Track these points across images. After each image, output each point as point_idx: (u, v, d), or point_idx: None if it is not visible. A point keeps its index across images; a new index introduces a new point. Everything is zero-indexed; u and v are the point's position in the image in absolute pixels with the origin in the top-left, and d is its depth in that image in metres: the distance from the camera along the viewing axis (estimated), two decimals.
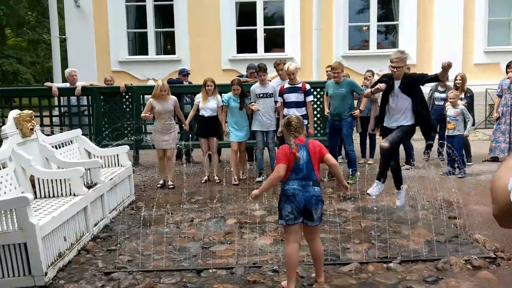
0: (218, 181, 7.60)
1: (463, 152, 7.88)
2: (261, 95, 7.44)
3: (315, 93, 8.60)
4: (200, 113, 7.58)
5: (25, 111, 5.19)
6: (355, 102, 8.01)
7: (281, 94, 7.31)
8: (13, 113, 5.13)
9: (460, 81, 8.29)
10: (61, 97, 9.15)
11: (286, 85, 7.30)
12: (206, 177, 7.70)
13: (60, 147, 6.07)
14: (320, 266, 3.79)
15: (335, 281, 3.85)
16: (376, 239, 4.75)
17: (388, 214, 5.63)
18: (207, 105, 7.52)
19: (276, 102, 7.43)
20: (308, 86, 7.35)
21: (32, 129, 5.24)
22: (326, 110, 8.25)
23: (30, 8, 27.28)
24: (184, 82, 9.28)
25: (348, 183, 7.17)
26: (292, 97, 7.23)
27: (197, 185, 7.45)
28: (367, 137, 8.89)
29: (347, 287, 3.76)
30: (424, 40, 13.16)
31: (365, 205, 6.03)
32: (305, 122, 6.82)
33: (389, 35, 14.62)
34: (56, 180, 5.02)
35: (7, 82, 28.68)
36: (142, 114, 7.26)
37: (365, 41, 14.03)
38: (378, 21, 13.45)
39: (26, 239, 3.86)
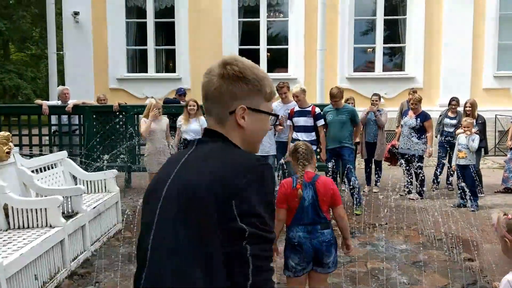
0: None
1: (475, 182, 7.40)
2: None
3: None
4: (182, 137, 7.05)
5: (1, 133, 4.75)
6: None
7: (290, 117, 6.93)
8: None
9: (470, 108, 7.84)
10: (52, 116, 8.73)
11: (296, 108, 6.92)
12: None
13: (42, 171, 5.62)
14: None
15: None
16: (385, 284, 4.25)
17: (397, 253, 5.13)
18: (190, 128, 7.00)
19: (275, 125, 7.00)
20: (318, 110, 6.95)
21: (8, 153, 4.79)
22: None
23: (34, 24, 27.17)
24: (181, 102, 8.87)
25: (356, 214, 6.82)
26: (301, 121, 6.85)
27: None
28: (372, 164, 8.41)
29: None
30: (431, 63, 12.74)
31: (371, 242, 5.54)
32: (314, 147, 6.42)
33: (395, 57, 14.26)
34: (31, 209, 4.55)
35: (8, 97, 28.49)
36: (141, 130, 6.83)
37: (369, 62, 13.66)
38: (384, 43, 13.07)
39: None
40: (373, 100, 8.33)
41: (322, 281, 3.23)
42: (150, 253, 1.35)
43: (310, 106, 6.92)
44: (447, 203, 7.31)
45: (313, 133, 6.85)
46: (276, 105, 7.25)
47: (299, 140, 6.77)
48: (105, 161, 7.84)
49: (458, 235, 5.51)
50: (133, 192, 8.46)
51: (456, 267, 4.64)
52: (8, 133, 4.79)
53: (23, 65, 27.90)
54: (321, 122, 6.90)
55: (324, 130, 7.00)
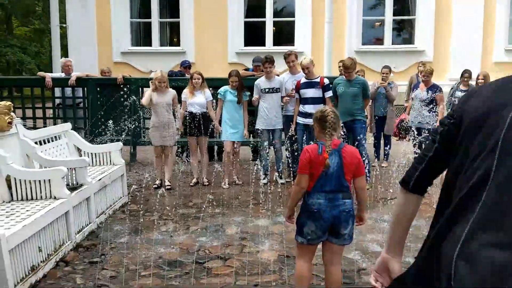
0: (207, 183, 6.95)
1: None
2: (267, 90, 6.82)
3: None
4: (187, 110, 6.85)
5: (2, 103, 4.62)
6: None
7: (297, 89, 6.72)
8: None
9: (483, 80, 7.65)
10: (55, 88, 8.59)
11: (303, 80, 6.71)
12: (195, 180, 7.04)
13: (45, 143, 5.51)
14: None
15: None
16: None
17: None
18: (194, 100, 6.80)
19: (282, 97, 6.84)
20: (326, 81, 6.74)
21: (10, 123, 4.67)
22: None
23: None
24: (186, 75, 8.69)
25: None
26: (309, 92, 6.63)
27: (196, 188, 6.87)
28: (382, 138, 8.26)
29: None
30: (441, 36, 12.42)
31: (381, 216, 5.43)
32: None
33: (404, 31, 13.94)
34: (35, 181, 4.45)
35: (12, 72, 28.28)
36: (142, 101, 6.71)
37: (377, 38, 13.37)
38: (393, 15, 12.75)
39: None
40: (383, 73, 8.14)
41: (336, 253, 3.12)
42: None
43: (318, 77, 6.72)
44: None
45: (321, 105, 6.66)
46: (284, 76, 7.06)
47: (307, 113, 6.62)
48: (110, 135, 7.73)
49: None
50: (138, 166, 8.37)
51: None
52: (9, 102, 4.65)
53: (27, 40, 27.63)
54: (329, 94, 6.71)
55: (333, 102, 6.82)
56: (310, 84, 6.65)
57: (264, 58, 6.84)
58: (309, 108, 6.58)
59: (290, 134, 6.89)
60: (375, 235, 4.79)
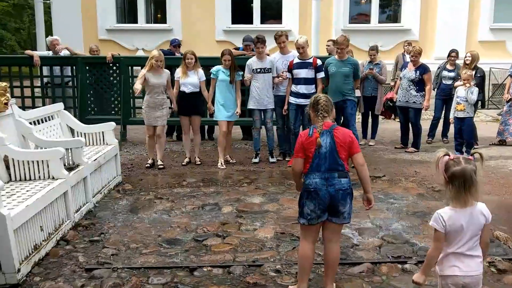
0: (199, 163, 7.04)
1: (472, 135, 7.44)
2: (259, 70, 6.86)
3: None
4: (180, 89, 6.85)
5: None
6: None
7: (290, 69, 6.76)
8: None
9: (470, 59, 7.78)
10: (43, 67, 8.50)
11: (296, 60, 6.75)
12: (187, 159, 7.11)
13: (39, 123, 5.51)
14: (333, 273, 3.26)
15: (345, 285, 3.42)
16: (388, 234, 4.33)
17: (397, 204, 5.20)
18: (188, 80, 6.80)
19: (274, 77, 6.89)
20: (319, 62, 6.79)
21: (6, 104, 4.67)
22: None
23: None
24: (175, 54, 8.66)
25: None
26: (302, 73, 6.68)
27: (189, 167, 6.95)
28: (369, 118, 8.40)
29: None
30: (427, 15, 12.56)
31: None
32: None
33: (390, 8, 13.99)
34: (33, 161, 4.49)
35: None
36: (135, 86, 6.56)
37: (364, 15, 13.41)
38: None
39: None
40: (371, 55, 8.20)
41: (336, 232, 3.23)
42: None
43: (311, 58, 6.78)
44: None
45: (313, 86, 6.74)
46: (275, 55, 7.10)
47: (299, 93, 6.71)
48: (99, 115, 7.72)
49: None
50: (129, 146, 8.40)
51: None
52: (5, 83, 4.65)
53: (6, 15, 26.96)
54: (321, 75, 6.78)
55: (324, 83, 6.90)
56: (303, 65, 6.70)
57: (256, 38, 6.84)
58: (301, 89, 6.66)
59: (282, 113, 6.98)
60: (366, 212, 4.95)
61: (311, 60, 6.72)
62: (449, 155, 2.45)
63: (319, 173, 3.08)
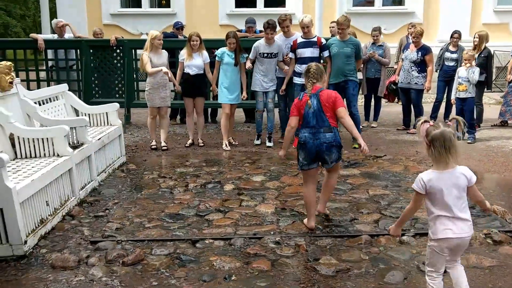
0: (202, 144, 7.11)
1: (473, 115, 7.45)
2: (266, 54, 6.80)
3: None
4: (185, 71, 6.88)
5: (3, 62, 4.67)
6: None
7: (293, 49, 6.72)
8: None
9: (477, 39, 7.76)
10: (48, 50, 8.57)
11: (300, 40, 6.70)
12: (190, 141, 7.18)
13: (44, 103, 5.59)
14: (326, 198, 4.14)
15: (343, 255, 3.49)
16: (386, 209, 4.40)
17: (396, 181, 5.26)
18: (192, 62, 6.83)
19: (279, 62, 6.86)
20: (323, 40, 6.77)
21: (11, 83, 4.75)
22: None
23: None
24: (178, 36, 8.70)
25: (354, 147, 6.85)
26: (307, 52, 6.62)
27: (192, 148, 7.03)
28: (372, 99, 8.43)
29: (357, 262, 3.40)
30: None
31: (372, 171, 5.66)
32: None
33: None
34: (38, 139, 4.58)
35: None
36: (153, 70, 6.54)
37: (367, 1, 13.34)
38: None
39: (2, 205, 3.46)
40: (373, 36, 8.20)
41: (333, 170, 4.00)
42: None
43: (315, 37, 6.74)
44: None
45: None
46: (278, 38, 7.08)
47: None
48: (103, 97, 7.79)
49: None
50: (133, 128, 8.49)
51: None
52: (10, 62, 4.72)
53: (11, 2, 26.98)
54: (327, 53, 6.75)
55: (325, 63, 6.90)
56: (308, 44, 6.64)
57: (266, 23, 6.66)
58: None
59: (281, 93, 6.97)
60: (365, 187, 5.02)
61: (315, 39, 6.68)
62: (429, 122, 2.59)
63: (308, 129, 3.77)
